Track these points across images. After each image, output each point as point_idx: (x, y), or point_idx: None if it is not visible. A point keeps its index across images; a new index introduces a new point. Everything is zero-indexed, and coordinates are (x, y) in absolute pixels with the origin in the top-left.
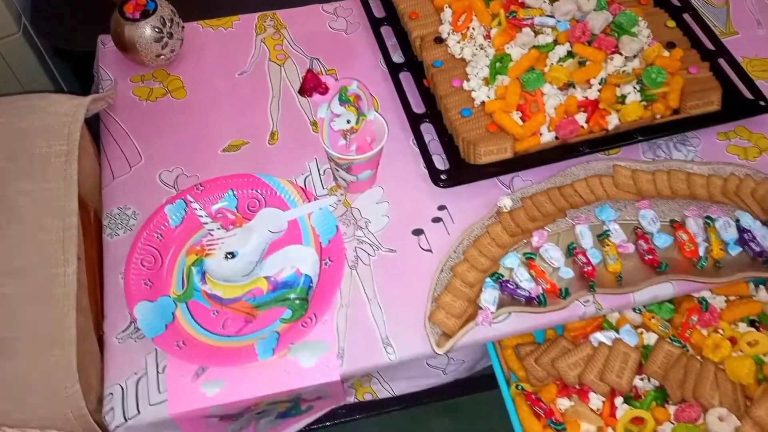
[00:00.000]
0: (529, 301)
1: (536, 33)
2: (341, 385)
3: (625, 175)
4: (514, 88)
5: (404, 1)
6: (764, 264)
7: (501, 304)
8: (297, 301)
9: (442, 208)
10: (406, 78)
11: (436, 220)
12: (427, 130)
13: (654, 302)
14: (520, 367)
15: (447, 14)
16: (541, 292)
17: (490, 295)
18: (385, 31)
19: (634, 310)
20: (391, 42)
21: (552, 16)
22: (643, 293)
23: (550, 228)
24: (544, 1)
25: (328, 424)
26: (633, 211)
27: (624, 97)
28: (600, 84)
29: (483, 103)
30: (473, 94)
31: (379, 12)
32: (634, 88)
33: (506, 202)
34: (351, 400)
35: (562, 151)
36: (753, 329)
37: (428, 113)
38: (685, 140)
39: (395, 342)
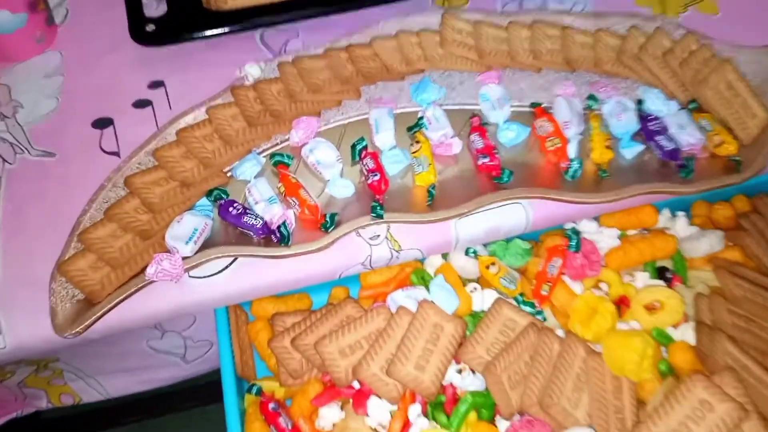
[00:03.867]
0: (266, 236)
1: None
2: None
3: (458, 28)
4: None
5: None
6: (680, 172)
7: (212, 243)
8: None
9: (157, 85)
10: None
11: (143, 104)
12: None
13: (496, 239)
14: (270, 353)
15: None
16: (286, 220)
17: (185, 226)
18: None
19: (466, 253)
20: None
21: None
22: (472, 223)
23: (329, 114)
24: None
25: None
26: (471, 88)
27: None
28: None
29: None
30: None
31: None
32: None
33: (252, 71)
34: (43, 405)
35: None
36: (660, 283)
37: None
38: None
39: (5, 316)
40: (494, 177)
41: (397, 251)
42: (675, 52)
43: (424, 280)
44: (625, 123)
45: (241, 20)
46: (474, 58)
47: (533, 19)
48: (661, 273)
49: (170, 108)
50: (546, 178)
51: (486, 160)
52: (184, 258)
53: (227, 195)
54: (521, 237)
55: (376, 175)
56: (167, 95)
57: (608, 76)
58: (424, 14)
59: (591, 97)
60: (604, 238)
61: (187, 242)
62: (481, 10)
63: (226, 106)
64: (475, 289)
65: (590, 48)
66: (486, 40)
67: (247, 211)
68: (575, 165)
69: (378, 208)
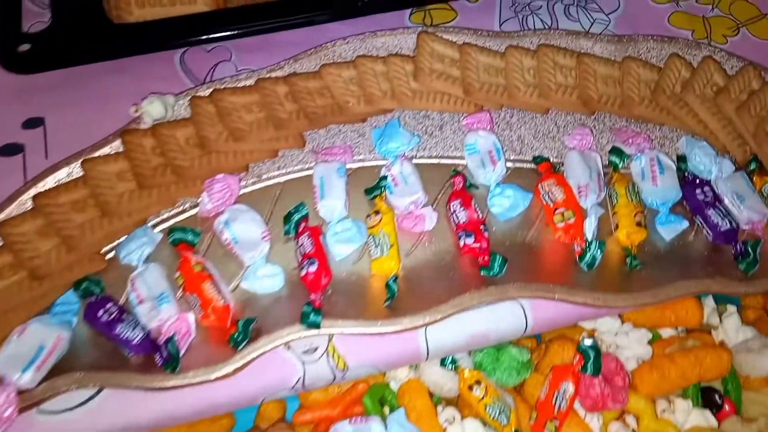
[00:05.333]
0: (147, 355)
1: None
2: None
3: (439, 54)
4: None
5: None
6: (739, 262)
7: (69, 363)
8: None
9: (34, 123)
10: None
11: (12, 150)
12: None
13: (483, 347)
14: None
15: None
16: (176, 334)
17: (27, 343)
18: None
19: (443, 363)
20: None
21: None
22: (449, 327)
23: (261, 168)
24: None
25: None
26: (454, 135)
27: None
28: None
29: None
30: None
31: None
32: None
33: (152, 109)
34: None
35: (320, 6)
36: (707, 413)
37: None
38: None
39: None
40: (481, 266)
41: (342, 370)
42: (730, 91)
43: (383, 403)
44: (663, 189)
45: (151, 38)
46: (459, 95)
47: (539, 42)
48: (706, 397)
49: (46, 157)
50: (553, 266)
51: (470, 240)
52: (20, 392)
53: (102, 289)
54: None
55: (312, 263)
56: (45, 138)
57: (638, 122)
58: (394, 33)
59: (615, 151)
60: (630, 343)
61: (25, 368)
62: (471, 29)
63: (110, 159)
64: (454, 419)
65: (615, 83)
66: (476, 71)
67: (124, 315)
68: (594, 250)
69: (312, 314)
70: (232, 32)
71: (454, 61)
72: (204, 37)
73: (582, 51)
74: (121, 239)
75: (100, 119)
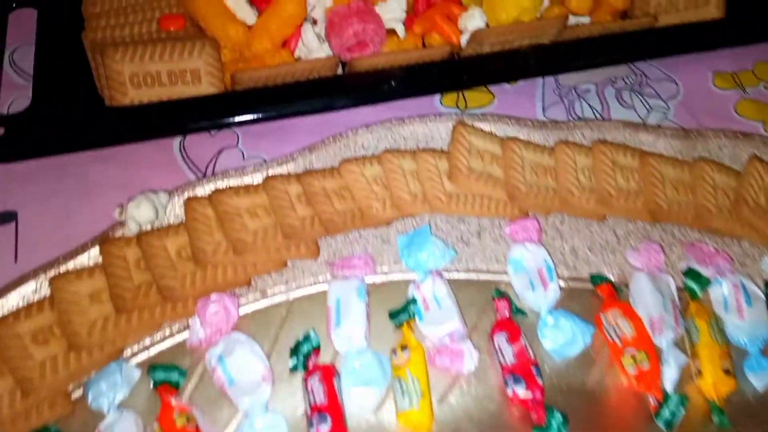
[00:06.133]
0: None
1: None
2: None
3: (478, 149)
4: None
5: None
6: None
7: None
8: None
9: (4, 219)
10: None
11: None
12: None
13: None
14: None
15: None
16: None
17: None
18: None
19: None
20: None
21: None
22: None
23: (265, 281)
24: None
25: None
26: (494, 244)
27: None
28: None
29: None
30: None
31: None
32: None
33: (139, 213)
34: None
35: (340, 89)
36: None
37: None
38: (643, 83)
39: None
40: (535, 425)
41: None
42: None
43: None
44: (751, 324)
45: (149, 123)
46: (501, 198)
47: (594, 137)
48: None
49: (15, 260)
50: (622, 422)
51: (520, 388)
52: None
53: None
54: None
55: (323, 420)
56: (16, 237)
57: (711, 234)
58: (424, 120)
59: (692, 275)
60: None
61: None
62: (512, 117)
63: (83, 276)
64: None
65: (686, 189)
66: (521, 171)
67: None
68: (674, 406)
69: None
70: (242, 118)
71: (495, 157)
72: (209, 123)
73: (643, 147)
74: (92, 375)
75: (81, 216)
